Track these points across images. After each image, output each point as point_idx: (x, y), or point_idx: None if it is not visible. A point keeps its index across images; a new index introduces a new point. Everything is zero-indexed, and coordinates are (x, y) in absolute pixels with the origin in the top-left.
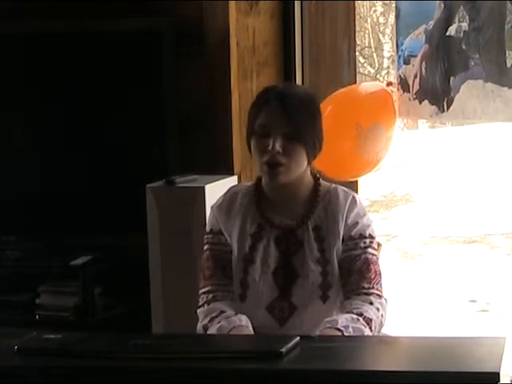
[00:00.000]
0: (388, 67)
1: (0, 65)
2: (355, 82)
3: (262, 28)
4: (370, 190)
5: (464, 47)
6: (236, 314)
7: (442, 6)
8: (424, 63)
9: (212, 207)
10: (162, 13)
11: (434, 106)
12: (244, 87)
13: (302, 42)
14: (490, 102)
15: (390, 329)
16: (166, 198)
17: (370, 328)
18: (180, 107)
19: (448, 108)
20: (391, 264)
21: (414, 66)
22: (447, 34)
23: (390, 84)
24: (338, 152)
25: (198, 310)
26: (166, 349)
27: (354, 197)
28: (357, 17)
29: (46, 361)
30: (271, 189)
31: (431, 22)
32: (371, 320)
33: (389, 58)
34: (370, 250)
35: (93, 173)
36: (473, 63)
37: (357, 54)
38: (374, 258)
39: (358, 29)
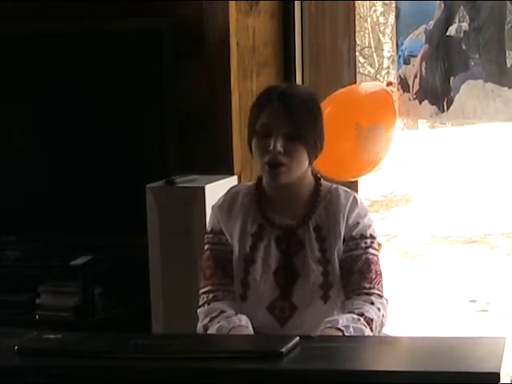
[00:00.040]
0: (388, 67)
1: (0, 65)
2: (355, 82)
3: (262, 28)
4: (370, 190)
5: (464, 47)
6: (236, 313)
7: (442, 5)
8: (424, 63)
9: (213, 207)
10: (162, 13)
11: (434, 106)
12: (244, 87)
13: (302, 42)
14: (489, 102)
15: (390, 329)
16: (166, 198)
17: (371, 328)
18: (180, 107)
19: (448, 108)
20: (391, 264)
21: (414, 66)
22: (447, 34)
23: (390, 84)
24: (338, 152)
25: (199, 310)
26: (166, 349)
27: (355, 197)
28: (357, 17)
29: (46, 361)
30: (272, 189)
31: (431, 22)
32: (372, 320)
33: (389, 58)
34: (370, 250)
35: (93, 173)
36: (473, 63)
37: (357, 54)
38: (375, 258)
39: (358, 29)
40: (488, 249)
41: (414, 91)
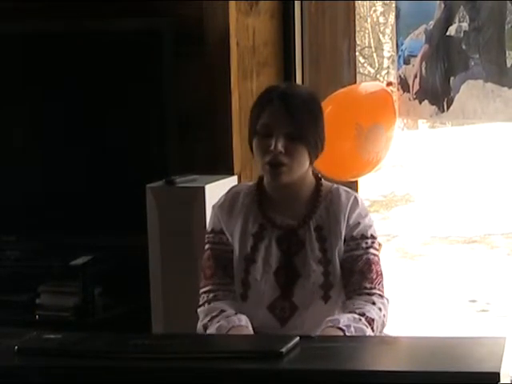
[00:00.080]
0: (388, 67)
1: (0, 65)
2: (355, 82)
3: (262, 28)
4: (370, 190)
5: (464, 47)
6: (236, 313)
7: (442, 5)
8: (424, 63)
9: (213, 207)
10: (162, 13)
11: (434, 106)
12: (244, 87)
13: (302, 42)
14: (490, 102)
15: (390, 329)
16: (166, 198)
17: (372, 328)
18: (180, 107)
19: (448, 108)
20: (391, 264)
21: (414, 66)
22: (447, 34)
23: (390, 84)
24: (338, 152)
25: (199, 310)
26: (166, 349)
27: (355, 197)
28: (357, 17)
29: (46, 361)
30: (273, 189)
31: (431, 22)
32: (373, 320)
33: (389, 58)
34: (371, 250)
35: (93, 173)
36: (473, 63)
37: (357, 54)
38: (376, 258)
39: (358, 29)
40: (488, 249)
41: (414, 91)
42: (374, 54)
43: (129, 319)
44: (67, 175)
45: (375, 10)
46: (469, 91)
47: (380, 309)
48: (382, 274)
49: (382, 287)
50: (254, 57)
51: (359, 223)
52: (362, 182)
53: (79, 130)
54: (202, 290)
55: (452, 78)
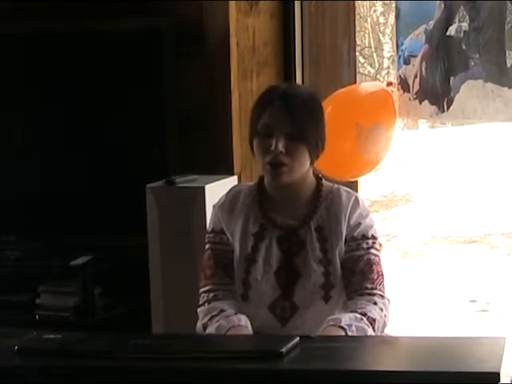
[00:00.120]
0: (388, 67)
1: (0, 65)
2: (355, 82)
3: (262, 28)
4: (370, 190)
5: (464, 47)
6: (236, 313)
7: (442, 5)
8: (424, 63)
9: (214, 206)
10: (162, 13)
11: (434, 106)
12: (244, 87)
13: (302, 42)
14: (489, 101)
15: (390, 329)
16: (166, 198)
17: (374, 328)
18: (180, 107)
19: (448, 108)
20: (391, 264)
21: (414, 66)
22: (447, 33)
23: (390, 84)
24: (338, 152)
25: (199, 309)
26: (166, 349)
27: (356, 197)
28: (357, 17)
29: (46, 361)
30: (274, 189)
31: (431, 22)
32: (375, 320)
33: (389, 58)
34: (372, 250)
35: (93, 173)
36: (473, 63)
37: (357, 54)
38: (377, 258)
39: (358, 29)
40: (488, 249)
41: (414, 91)
42: (374, 54)
43: (129, 319)
44: (67, 175)
45: (375, 10)
46: (469, 91)
47: (381, 309)
48: (382, 274)
49: (383, 287)
50: (254, 57)
51: (360, 223)
52: (362, 182)
53: (79, 130)
54: (201, 290)
55: (452, 78)
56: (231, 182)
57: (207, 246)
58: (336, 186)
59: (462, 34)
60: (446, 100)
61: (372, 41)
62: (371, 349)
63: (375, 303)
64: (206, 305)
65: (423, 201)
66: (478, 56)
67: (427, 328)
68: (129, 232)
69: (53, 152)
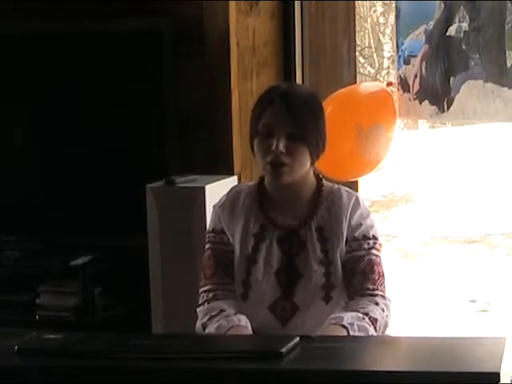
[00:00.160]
0: (388, 67)
1: (0, 65)
2: (355, 82)
3: (262, 28)
4: (370, 190)
5: (464, 47)
6: (236, 313)
7: (442, 5)
8: (424, 63)
9: (214, 207)
10: (162, 13)
11: (434, 106)
12: (244, 87)
13: (302, 42)
14: (490, 102)
15: (390, 329)
16: (166, 198)
17: (375, 328)
18: (180, 107)
19: (448, 108)
20: (391, 264)
21: (414, 66)
22: (447, 34)
23: (390, 84)
24: (338, 152)
25: (198, 309)
26: (166, 349)
27: (357, 198)
28: (357, 17)
29: (46, 361)
30: (274, 189)
31: (431, 22)
32: (376, 320)
33: (389, 58)
34: (373, 251)
35: (93, 173)
36: (473, 63)
37: (357, 54)
38: (378, 259)
39: (358, 29)
40: (488, 249)
41: (414, 91)
42: (374, 54)
43: (129, 319)
44: (67, 175)
45: (375, 10)
46: (469, 91)
47: (383, 309)
48: (383, 274)
49: (384, 288)
50: (254, 57)
51: (361, 224)
52: (362, 182)
53: (79, 130)
54: (201, 290)
55: (452, 78)
56: (231, 182)
57: (207, 246)
58: (336, 186)
59: (461, 34)
60: (446, 100)
61: (372, 41)
62: (371, 349)
63: (377, 303)
64: (206, 304)
65: (423, 201)
66: (477, 56)
67: (427, 328)
68: (129, 232)
69: (53, 152)
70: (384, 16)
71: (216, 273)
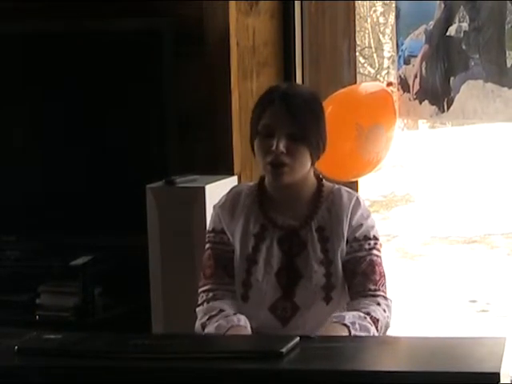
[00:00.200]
0: (388, 67)
1: (0, 65)
2: (355, 82)
3: (262, 28)
4: (370, 190)
5: (464, 47)
6: (235, 313)
7: (442, 5)
8: (424, 63)
9: (214, 207)
10: (162, 13)
11: (434, 106)
12: (244, 87)
13: (302, 42)
14: (490, 102)
15: (390, 329)
16: (166, 198)
17: (377, 328)
18: (180, 107)
19: (448, 108)
20: (391, 264)
21: (414, 66)
22: (447, 34)
23: (390, 84)
24: (338, 152)
25: (197, 309)
26: (166, 349)
27: (357, 198)
28: (357, 17)
29: (46, 361)
30: (274, 189)
31: (431, 22)
32: (378, 320)
33: (389, 58)
34: (374, 251)
35: (93, 173)
36: (473, 63)
37: (357, 54)
38: (379, 259)
39: (358, 29)
40: (488, 249)
41: (414, 91)
42: (374, 55)
43: (129, 319)
44: (67, 175)
45: (375, 10)
46: (469, 91)
47: (384, 310)
48: (384, 275)
49: (385, 288)
50: (254, 57)
51: (362, 224)
52: (362, 182)
53: (79, 130)
54: (201, 290)
55: (452, 78)
56: (231, 182)
57: (207, 246)
58: (337, 186)
59: (462, 34)
60: (446, 100)
61: (372, 41)
62: (371, 349)
63: (378, 304)
64: (205, 304)
65: (423, 201)
66: (477, 56)
67: (427, 328)
68: (129, 232)
69: (53, 152)
70: (384, 16)
71: (216, 273)
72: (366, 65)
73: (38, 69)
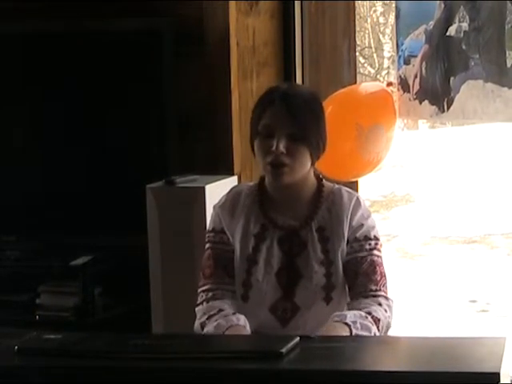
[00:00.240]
0: (388, 67)
1: (0, 65)
2: (355, 82)
3: (262, 28)
4: (370, 190)
5: (464, 47)
6: (234, 313)
7: (442, 5)
8: (424, 63)
9: (214, 207)
10: (162, 13)
11: (434, 106)
12: (244, 87)
13: (302, 42)
14: (490, 102)
15: (390, 329)
16: (166, 198)
17: (378, 327)
18: (180, 107)
19: (448, 108)
20: (391, 264)
21: (414, 66)
22: (447, 34)
23: (390, 84)
24: (338, 152)
25: (197, 308)
26: (166, 349)
27: (358, 198)
28: (357, 17)
29: (46, 361)
30: (274, 189)
31: (431, 22)
32: (379, 320)
33: (389, 59)
34: (375, 251)
35: (93, 173)
36: (473, 63)
37: (357, 54)
38: (380, 259)
39: (358, 29)
40: (488, 249)
41: (414, 91)
42: (374, 55)
43: (129, 319)
44: (67, 175)
45: (375, 10)
46: (469, 91)
47: (386, 310)
48: (385, 275)
49: (386, 288)
50: (254, 57)
51: (362, 225)
52: (363, 182)
53: (79, 130)
54: (200, 289)
55: (452, 78)
56: (231, 182)
57: (207, 246)
58: (337, 186)
59: (462, 34)
60: (446, 100)
61: (372, 41)
62: (371, 349)
63: (380, 304)
64: (205, 304)
65: (423, 201)
66: (477, 56)
67: (427, 328)
68: (129, 232)
69: (53, 152)
70: (384, 16)
71: (215, 272)
72: (366, 65)
73: (38, 69)
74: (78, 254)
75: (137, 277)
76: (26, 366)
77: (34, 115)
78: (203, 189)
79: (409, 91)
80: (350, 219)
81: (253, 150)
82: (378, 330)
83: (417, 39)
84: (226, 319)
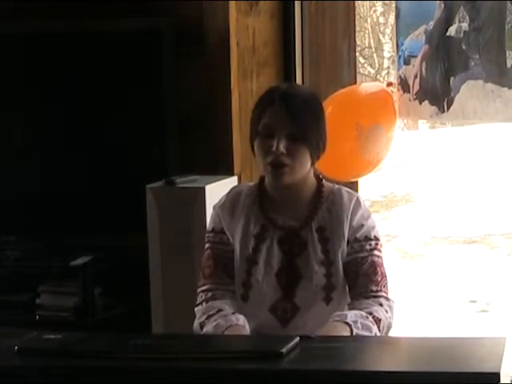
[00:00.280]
0: (388, 67)
1: (0, 65)
2: (355, 83)
3: (262, 28)
4: (370, 190)
5: (464, 47)
6: (234, 312)
7: (442, 6)
8: (424, 63)
9: (214, 207)
10: (162, 13)
11: (434, 107)
12: (244, 87)
13: (302, 42)
14: (490, 102)
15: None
16: (166, 198)
17: (379, 328)
18: (180, 107)
19: (448, 108)
20: (391, 264)
21: (414, 66)
22: (447, 34)
23: (390, 84)
24: (338, 152)
25: (196, 308)
26: (166, 349)
27: (358, 198)
28: (357, 17)
29: (46, 361)
30: (275, 189)
31: (431, 22)
32: (380, 320)
33: (389, 59)
34: (375, 252)
35: (93, 173)
36: (473, 63)
37: (357, 54)
38: (380, 260)
39: (358, 29)
40: (488, 249)
41: (414, 91)
42: (374, 55)
43: (129, 319)
44: (67, 175)
45: (375, 10)
46: (469, 91)
47: (386, 311)
48: (386, 275)
49: (387, 289)
50: (254, 57)
51: (362, 225)
52: (363, 182)
53: (79, 130)
54: (200, 289)
55: (452, 79)
56: (231, 182)
57: (207, 246)
58: (337, 186)
59: (462, 34)
60: (446, 100)
61: (372, 41)
62: (371, 349)
63: (381, 304)
64: (204, 304)
65: (423, 201)
66: (478, 56)
67: (427, 328)
68: (129, 232)
69: (53, 152)
70: (384, 16)
71: (215, 273)
72: (366, 65)
73: (38, 69)
74: (78, 253)
75: (137, 277)
76: (26, 366)
77: (34, 115)
78: (203, 189)
79: (409, 91)
80: (350, 219)
81: (253, 150)
82: (379, 331)
83: (417, 39)
84: (225, 319)
